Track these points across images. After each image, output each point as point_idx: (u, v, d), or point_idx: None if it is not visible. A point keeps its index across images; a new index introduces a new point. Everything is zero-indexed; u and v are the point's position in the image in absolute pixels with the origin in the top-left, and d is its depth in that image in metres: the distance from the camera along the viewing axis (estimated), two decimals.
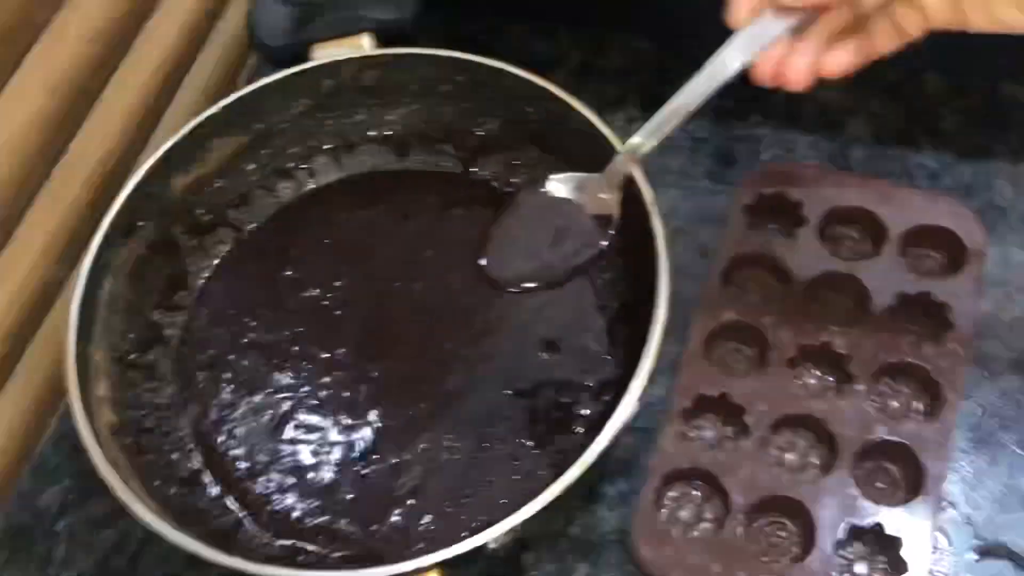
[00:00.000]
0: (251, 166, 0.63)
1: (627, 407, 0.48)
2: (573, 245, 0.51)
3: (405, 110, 0.63)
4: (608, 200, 0.51)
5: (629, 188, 0.53)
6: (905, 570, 0.48)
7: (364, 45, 0.61)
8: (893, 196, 0.58)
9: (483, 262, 0.52)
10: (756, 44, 0.43)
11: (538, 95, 0.57)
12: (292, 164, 0.64)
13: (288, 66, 0.60)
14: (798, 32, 0.43)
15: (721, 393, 0.53)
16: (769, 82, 0.44)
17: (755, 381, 0.53)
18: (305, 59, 0.61)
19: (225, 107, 0.59)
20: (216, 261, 0.62)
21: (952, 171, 0.61)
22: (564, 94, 0.56)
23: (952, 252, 0.56)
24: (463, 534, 0.51)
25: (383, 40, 0.61)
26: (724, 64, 0.44)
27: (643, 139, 0.49)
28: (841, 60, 0.43)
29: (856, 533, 0.50)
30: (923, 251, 0.57)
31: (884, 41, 0.43)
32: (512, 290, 0.52)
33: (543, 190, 0.53)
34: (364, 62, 0.60)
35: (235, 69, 0.75)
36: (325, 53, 0.60)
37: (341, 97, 0.62)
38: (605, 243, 0.51)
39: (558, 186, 0.53)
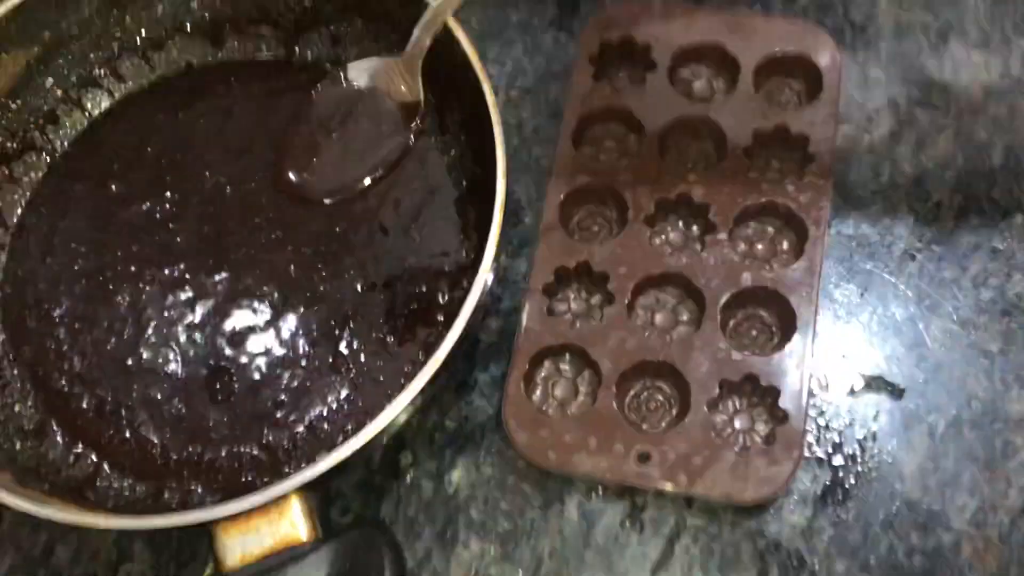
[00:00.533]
0: (49, 81, 0.56)
1: (477, 289, 0.45)
2: (380, 141, 0.47)
3: None
4: (411, 85, 0.47)
5: (456, 54, 0.49)
6: (785, 419, 0.47)
7: None
8: (744, 26, 0.54)
9: (291, 176, 0.47)
10: None
11: None
12: (97, 71, 0.57)
13: None
14: None
15: (580, 262, 0.50)
16: None
17: (615, 245, 0.51)
18: None
19: (1, 20, 0.52)
20: (30, 190, 0.57)
21: None
22: None
23: (808, 79, 0.53)
24: (339, 439, 0.50)
25: None
26: None
27: (420, 34, 0.45)
28: None
29: (731, 387, 0.48)
30: (779, 81, 0.54)
31: None
32: (326, 201, 0.49)
33: (341, 82, 0.48)
34: None
35: None
36: None
37: None
38: (412, 135, 0.47)
39: (357, 74, 0.48)
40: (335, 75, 0.48)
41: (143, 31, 0.57)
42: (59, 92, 0.57)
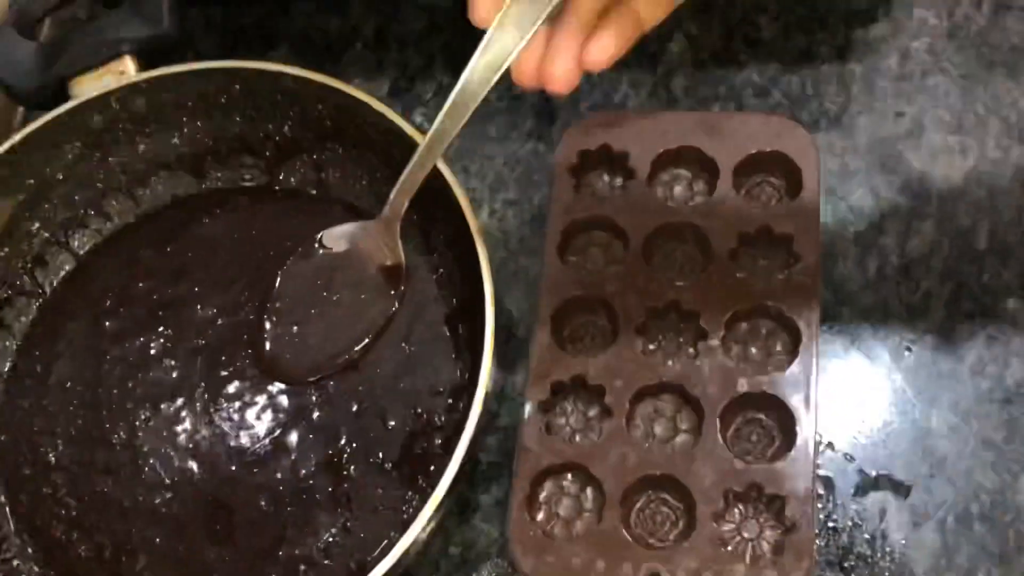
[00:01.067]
0: (35, 225, 0.57)
1: (474, 418, 0.45)
2: (363, 310, 0.46)
3: (189, 130, 0.57)
4: (392, 247, 0.46)
5: (436, 176, 0.49)
6: (793, 527, 0.46)
7: (128, 69, 0.55)
8: (719, 126, 0.54)
9: (267, 347, 0.46)
10: (510, 43, 0.38)
11: (320, 91, 0.53)
12: (82, 212, 0.58)
13: (48, 108, 0.54)
14: (552, 20, 0.38)
15: (575, 376, 0.50)
16: (531, 84, 0.39)
17: (608, 357, 0.50)
18: (66, 97, 0.55)
19: None
20: (21, 336, 0.57)
21: (779, 83, 0.58)
22: (345, 86, 0.52)
23: (787, 175, 0.53)
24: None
25: (148, 59, 0.55)
26: (479, 73, 0.39)
27: (413, 171, 0.45)
28: (606, 47, 0.38)
29: (737, 496, 0.48)
30: (759, 178, 0.54)
31: (649, 11, 0.39)
32: (309, 380, 0.47)
33: (318, 249, 0.46)
34: (129, 90, 0.54)
35: (6, 118, 0.68)
36: (85, 87, 0.54)
37: (116, 131, 0.56)
38: (398, 302, 0.46)
39: (333, 241, 0.46)
40: (309, 245, 0.47)
41: (126, 171, 0.58)
42: (46, 235, 0.57)
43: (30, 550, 0.51)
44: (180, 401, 0.54)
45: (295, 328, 0.47)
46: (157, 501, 0.52)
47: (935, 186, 0.54)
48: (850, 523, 0.48)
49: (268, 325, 0.47)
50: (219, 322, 0.55)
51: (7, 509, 0.52)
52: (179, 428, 0.53)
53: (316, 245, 0.47)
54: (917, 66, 0.57)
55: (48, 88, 0.55)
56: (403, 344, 0.53)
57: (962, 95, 0.56)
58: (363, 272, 0.47)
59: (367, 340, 0.46)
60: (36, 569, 0.51)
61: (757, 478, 0.47)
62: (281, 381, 0.48)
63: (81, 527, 0.52)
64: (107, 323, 0.56)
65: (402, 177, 0.45)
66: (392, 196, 0.46)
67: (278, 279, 0.46)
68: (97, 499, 0.52)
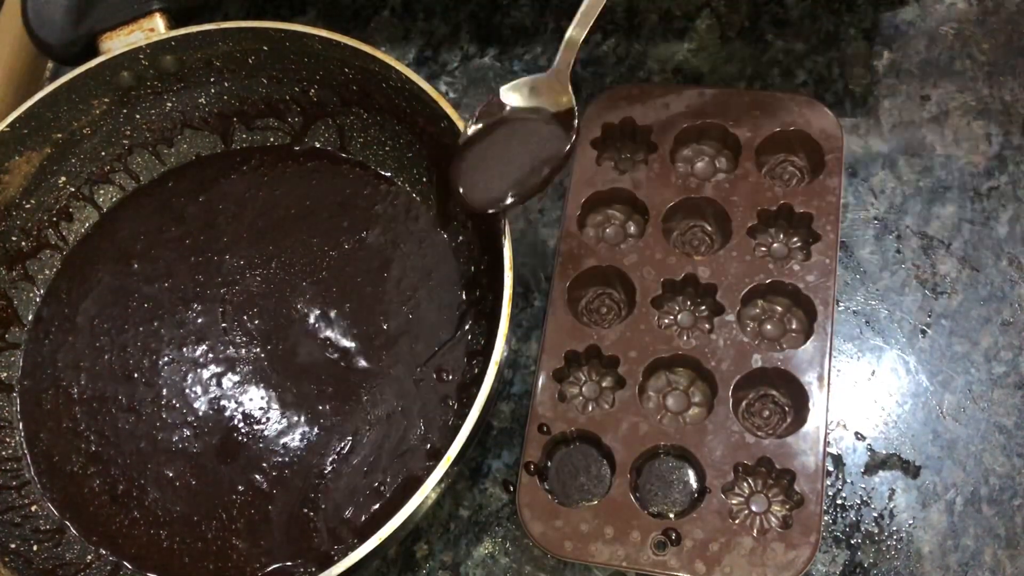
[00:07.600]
0: (61, 179, 0.57)
1: (489, 382, 0.45)
2: (541, 153, 0.48)
3: (216, 90, 0.57)
4: (563, 95, 0.49)
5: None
6: (802, 502, 0.47)
7: (158, 27, 0.55)
8: (743, 103, 0.54)
9: (461, 190, 0.48)
10: None
11: (349, 55, 0.53)
12: (108, 167, 0.59)
13: (77, 63, 0.55)
14: None
15: (590, 346, 0.50)
16: None
17: (623, 328, 0.51)
18: (95, 52, 0.55)
19: (13, 123, 0.53)
20: (45, 287, 0.57)
21: (805, 63, 0.58)
22: (373, 51, 0.52)
23: (810, 154, 0.53)
24: (351, 540, 0.50)
25: (178, 18, 0.56)
26: None
27: (577, 29, 0.48)
28: None
29: (747, 470, 0.48)
30: (781, 157, 0.54)
31: None
32: (491, 211, 0.48)
33: (500, 102, 0.50)
34: (158, 47, 0.54)
35: (36, 71, 0.68)
36: (115, 43, 0.55)
37: (143, 88, 0.57)
38: (570, 143, 0.48)
39: (512, 95, 0.50)
40: (492, 100, 0.50)
41: (152, 128, 0.58)
42: (71, 189, 0.58)
43: (48, 495, 0.52)
44: (204, 347, 0.55)
45: (482, 168, 0.49)
46: (174, 438, 0.53)
47: (958, 169, 0.54)
48: (858, 501, 0.48)
49: (461, 163, 0.49)
50: (246, 272, 0.56)
51: (28, 457, 0.53)
52: (200, 371, 0.54)
53: (494, 99, 0.50)
54: (944, 51, 0.57)
55: (78, 43, 0.55)
56: (419, 308, 0.54)
57: (988, 81, 0.56)
58: (539, 121, 0.49)
59: (549, 170, 0.48)
60: (53, 513, 0.52)
61: (767, 452, 0.47)
62: (477, 211, 0.49)
63: (98, 460, 0.53)
64: (136, 263, 0.57)
65: (565, 37, 0.48)
66: (560, 54, 0.49)
67: (468, 129, 0.49)
68: (116, 434, 0.53)
